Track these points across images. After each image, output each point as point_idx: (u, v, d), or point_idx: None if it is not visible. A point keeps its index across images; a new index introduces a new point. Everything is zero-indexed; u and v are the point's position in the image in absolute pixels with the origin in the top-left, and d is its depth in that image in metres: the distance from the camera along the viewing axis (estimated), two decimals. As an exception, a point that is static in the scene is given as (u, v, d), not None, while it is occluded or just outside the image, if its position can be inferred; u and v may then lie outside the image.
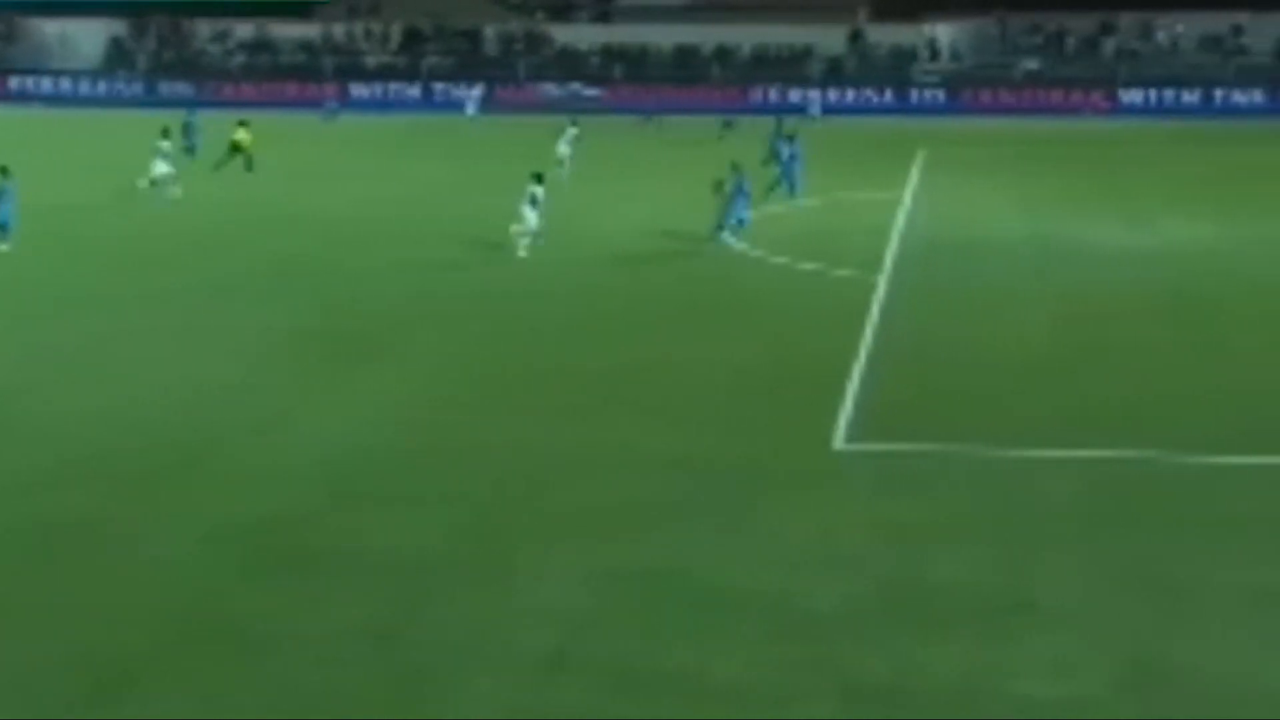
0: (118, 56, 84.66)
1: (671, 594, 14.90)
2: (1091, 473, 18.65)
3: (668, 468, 18.80)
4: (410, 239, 36.39)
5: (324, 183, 46.79)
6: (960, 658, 13.49)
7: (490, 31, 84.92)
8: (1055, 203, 42.87)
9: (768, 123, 52.02)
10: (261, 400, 22.07)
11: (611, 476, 18.54)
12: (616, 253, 33.65)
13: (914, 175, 48.52)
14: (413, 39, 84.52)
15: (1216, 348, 25.53)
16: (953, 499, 17.70)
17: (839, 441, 20.04)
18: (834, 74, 79.22)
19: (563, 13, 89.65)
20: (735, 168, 36.16)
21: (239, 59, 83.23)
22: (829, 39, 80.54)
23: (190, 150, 48.62)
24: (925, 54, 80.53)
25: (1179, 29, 79.27)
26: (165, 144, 42.49)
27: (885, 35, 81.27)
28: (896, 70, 79.09)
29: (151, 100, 77.60)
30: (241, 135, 46.71)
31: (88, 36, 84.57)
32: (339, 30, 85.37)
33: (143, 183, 41.53)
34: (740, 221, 35.56)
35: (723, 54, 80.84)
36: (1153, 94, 75.31)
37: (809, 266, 32.44)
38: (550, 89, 77.13)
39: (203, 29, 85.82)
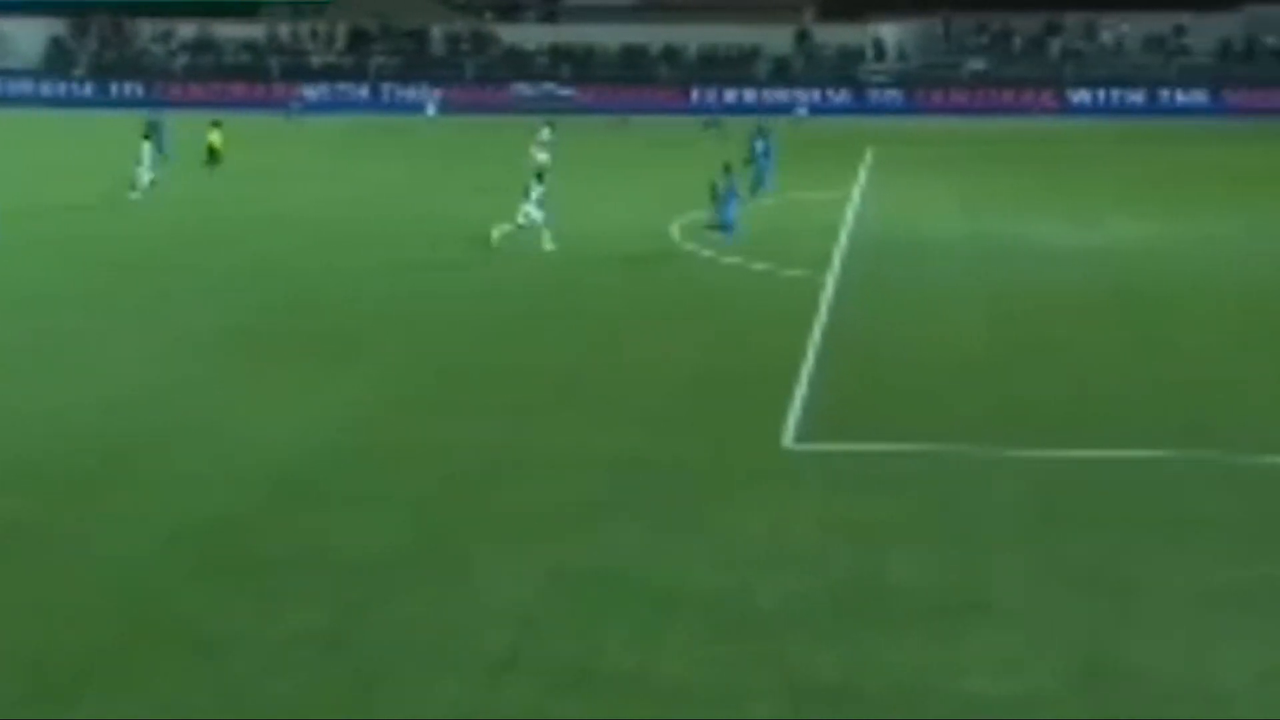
0: (58, 56, 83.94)
1: (622, 593, 14.87)
2: (1039, 471, 18.73)
3: (619, 467, 18.78)
4: (370, 239, 36.30)
5: (283, 183, 46.66)
6: (910, 656, 13.51)
7: (437, 32, 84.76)
8: (1002, 202, 43.18)
9: (750, 122, 52.08)
10: (212, 401, 21.90)
11: (562, 476, 18.50)
12: (570, 254, 33.59)
13: (863, 175, 48.71)
14: (359, 39, 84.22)
15: (1159, 345, 25.72)
16: (902, 497, 17.74)
17: (789, 440, 20.07)
18: (781, 74, 79.47)
19: (509, 13, 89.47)
20: (728, 169, 36.52)
21: (182, 59, 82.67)
22: (776, 39, 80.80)
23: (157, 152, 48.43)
24: (872, 54, 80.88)
25: (1124, 29, 79.94)
26: (146, 146, 42.47)
27: (832, 36, 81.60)
28: (844, 70, 79.41)
29: (103, 101, 77.10)
30: (214, 137, 47.14)
31: (26, 36, 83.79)
32: (284, 30, 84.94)
33: (134, 195, 41.27)
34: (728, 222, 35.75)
35: (670, 54, 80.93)
36: (1100, 94, 75.98)
37: (760, 266, 32.50)
38: (524, 89, 77.05)
39: (145, 29, 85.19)
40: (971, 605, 14.67)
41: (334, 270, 32.05)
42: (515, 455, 19.31)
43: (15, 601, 14.67)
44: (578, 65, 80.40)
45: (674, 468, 18.78)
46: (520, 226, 33.83)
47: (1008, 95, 75.78)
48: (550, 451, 19.45)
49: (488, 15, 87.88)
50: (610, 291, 30.20)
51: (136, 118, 50.71)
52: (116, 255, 34.01)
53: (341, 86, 79.62)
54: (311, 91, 78.47)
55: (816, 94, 75.68)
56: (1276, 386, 22.94)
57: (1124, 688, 13.03)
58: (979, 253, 34.79)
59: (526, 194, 33.89)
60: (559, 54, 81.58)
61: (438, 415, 21.24)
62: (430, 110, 71.70)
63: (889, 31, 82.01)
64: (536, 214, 33.56)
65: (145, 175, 41.47)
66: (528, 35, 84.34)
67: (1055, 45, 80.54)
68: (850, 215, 39.82)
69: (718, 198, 35.59)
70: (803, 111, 69.76)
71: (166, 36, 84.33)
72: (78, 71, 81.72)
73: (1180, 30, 79.35)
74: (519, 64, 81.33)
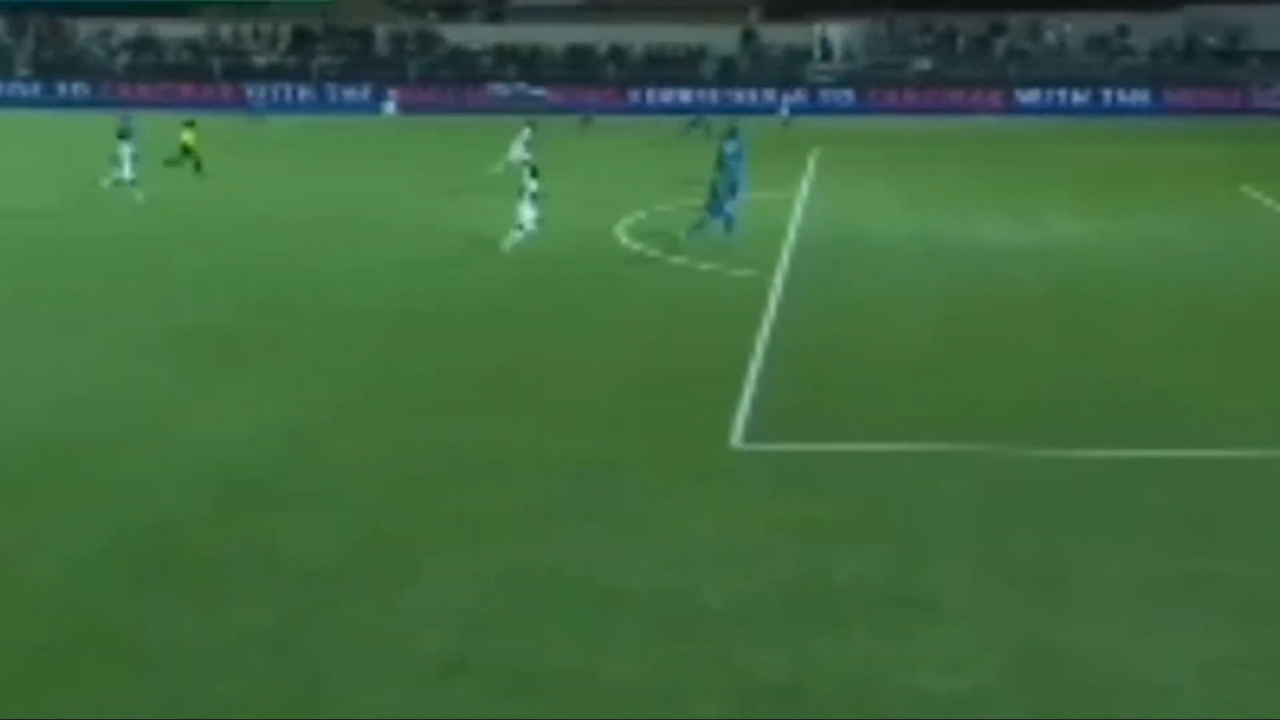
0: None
1: (568, 595, 14.86)
2: (983, 469, 18.84)
3: (565, 468, 18.75)
4: (331, 240, 36.09)
5: (245, 183, 46.41)
6: (857, 653, 13.57)
7: (382, 31, 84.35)
8: (949, 201, 43.41)
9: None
10: (162, 402, 21.75)
11: (508, 477, 18.46)
12: (519, 255, 33.52)
13: (809, 175, 48.85)
14: (303, 39, 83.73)
15: (1102, 344, 25.90)
16: (849, 497, 17.80)
17: (736, 440, 20.10)
18: (727, 74, 79.59)
19: (455, 12, 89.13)
20: (721, 167, 36.72)
21: (123, 59, 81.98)
22: (722, 39, 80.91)
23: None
24: (818, 54, 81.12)
25: (1067, 29, 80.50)
26: (126, 147, 42.16)
27: (778, 35, 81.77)
28: (790, 70, 79.61)
29: (49, 101, 76.52)
30: (187, 136, 47.01)
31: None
32: (225, 30, 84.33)
33: (139, 196, 40.88)
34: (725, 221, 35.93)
35: (616, 54, 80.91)
36: (1047, 94, 76.52)
37: (707, 267, 32.53)
38: (499, 89, 76.81)
39: (83, 28, 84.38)
40: (918, 603, 14.74)
41: (294, 272, 31.85)
42: (461, 458, 19.26)
43: (-50, 608, 14.51)
44: (524, 65, 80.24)
45: (621, 468, 18.77)
46: (521, 226, 33.62)
47: (955, 95, 76.16)
48: (496, 453, 19.40)
49: (431, 15, 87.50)
50: (557, 293, 30.15)
51: (88, 118, 50.25)
52: (74, 257, 33.72)
53: (286, 86, 79.13)
54: (255, 91, 77.94)
55: (771, 94, 75.55)
56: (1215, 384, 23.17)
57: (1067, 681, 13.13)
58: (926, 252, 34.96)
59: (521, 194, 33.60)
60: (504, 54, 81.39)
61: (386, 418, 21.14)
62: (389, 110, 71.33)
63: (835, 32, 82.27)
64: (530, 213, 33.37)
65: (127, 173, 41.28)
66: (473, 35, 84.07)
67: (1000, 45, 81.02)
68: (798, 215, 39.93)
69: (715, 196, 35.70)
70: (785, 112, 69.69)
71: (106, 35, 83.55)
72: (24, 72, 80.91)
73: (1123, 30, 79.98)
74: (465, 64, 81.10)
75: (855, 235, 37.10)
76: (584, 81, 78.02)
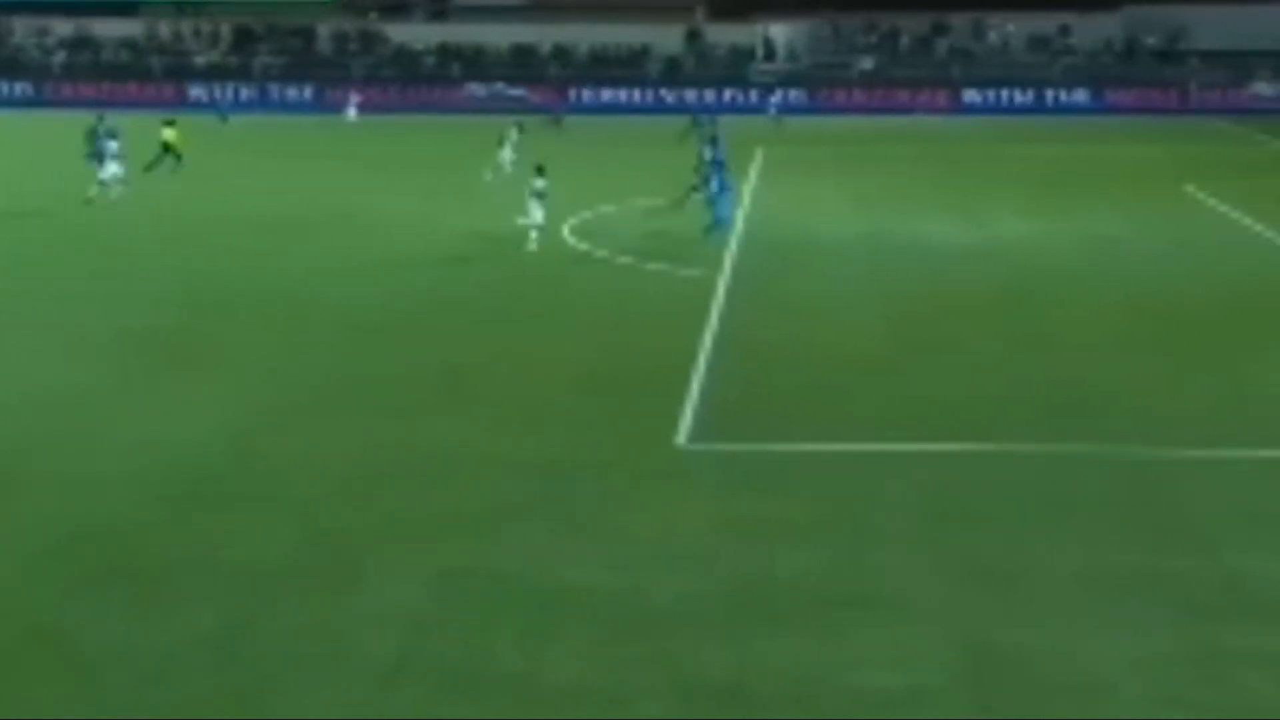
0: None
1: (512, 595, 14.87)
2: (929, 467, 18.97)
3: (510, 468, 18.75)
4: (289, 241, 35.89)
5: (206, 184, 46.03)
6: (801, 652, 13.63)
7: (324, 30, 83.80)
8: (894, 201, 43.56)
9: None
10: (108, 405, 21.62)
11: (452, 478, 18.45)
12: (467, 252, 33.47)
13: (753, 175, 48.94)
14: (244, 38, 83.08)
15: (1045, 344, 26.11)
16: (794, 495, 17.88)
17: (681, 440, 20.15)
18: (671, 73, 79.60)
19: (398, 11, 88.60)
20: (721, 166, 36.79)
21: (59, 57, 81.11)
22: (666, 39, 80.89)
23: (95, 156, 47.33)
24: (762, 54, 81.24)
25: (1009, 29, 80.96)
26: (114, 144, 41.80)
27: (723, 35, 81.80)
28: (734, 70, 79.67)
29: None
30: (168, 134, 46.71)
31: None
32: (165, 29, 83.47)
33: (118, 190, 40.57)
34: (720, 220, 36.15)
35: (560, 53, 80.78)
36: (990, 94, 76.91)
37: (654, 267, 32.58)
38: (476, 89, 76.38)
39: (19, 26, 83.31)
40: (861, 600, 14.84)
41: (247, 273, 31.65)
42: (406, 458, 19.23)
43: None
44: (467, 65, 79.97)
45: (566, 468, 18.78)
46: (538, 226, 33.68)
47: (902, 95, 76.41)
48: (440, 454, 19.38)
49: (372, 15, 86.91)
50: (504, 292, 30.11)
51: (31, 118, 49.69)
52: (23, 259, 33.39)
53: (228, 86, 78.47)
54: (200, 91, 77.26)
55: (710, 94, 75.44)
56: (1156, 384, 23.40)
57: (1009, 678, 13.25)
58: (872, 252, 35.11)
59: (529, 194, 33.85)
60: (448, 53, 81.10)
61: (333, 419, 21.08)
62: (351, 114, 70.64)
63: (779, 31, 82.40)
64: (539, 212, 33.55)
65: (116, 170, 41.01)
66: (417, 34, 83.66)
67: (943, 45, 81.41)
68: (743, 215, 40.01)
69: (709, 196, 35.93)
70: (774, 111, 69.45)
71: (42, 34, 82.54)
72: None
73: (1065, 30, 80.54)
74: (408, 63, 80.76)
75: (801, 235, 37.22)
76: (528, 81, 77.79)
